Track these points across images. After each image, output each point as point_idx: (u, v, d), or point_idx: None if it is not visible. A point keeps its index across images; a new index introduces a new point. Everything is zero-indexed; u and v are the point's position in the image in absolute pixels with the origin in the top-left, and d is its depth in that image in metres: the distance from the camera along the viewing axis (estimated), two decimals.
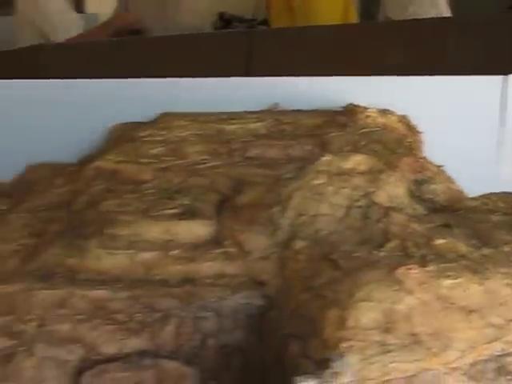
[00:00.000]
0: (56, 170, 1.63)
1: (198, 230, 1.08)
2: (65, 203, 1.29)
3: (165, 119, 1.59)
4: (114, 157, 1.44)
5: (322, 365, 0.84)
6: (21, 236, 1.15)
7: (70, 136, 1.73)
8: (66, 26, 4.31)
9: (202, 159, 1.38)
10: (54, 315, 0.98)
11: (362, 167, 1.14)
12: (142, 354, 0.98)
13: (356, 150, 1.25)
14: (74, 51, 2.78)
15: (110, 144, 1.59)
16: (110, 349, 0.99)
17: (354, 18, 3.38)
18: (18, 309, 0.98)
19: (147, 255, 1.04)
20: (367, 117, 1.46)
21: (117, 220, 1.10)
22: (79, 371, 0.99)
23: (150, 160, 1.41)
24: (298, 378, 0.81)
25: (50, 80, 1.82)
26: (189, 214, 1.11)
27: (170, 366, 0.98)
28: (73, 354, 0.98)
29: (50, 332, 0.98)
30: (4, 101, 1.80)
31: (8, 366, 0.98)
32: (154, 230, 1.08)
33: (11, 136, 1.80)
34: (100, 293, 0.99)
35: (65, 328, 0.98)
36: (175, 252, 1.04)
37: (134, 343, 0.99)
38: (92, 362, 0.99)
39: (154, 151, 1.43)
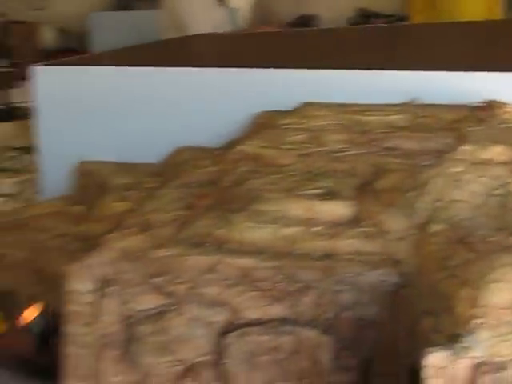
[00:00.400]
0: (202, 153, 1.74)
1: (338, 209, 1.15)
2: (212, 181, 1.38)
3: (306, 109, 1.66)
4: (257, 142, 1.52)
5: (453, 339, 0.89)
6: (175, 208, 1.25)
7: (214, 122, 1.83)
8: (210, 20, 4.47)
9: (341, 147, 1.44)
10: (203, 279, 1.07)
11: (502, 158, 1.16)
12: (281, 320, 1.06)
13: (495, 143, 1.27)
14: (223, 42, 2.91)
15: (253, 130, 1.68)
16: (252, 314, 1.07)
17: (498, 17, 3.34)
18: (172, 271, 1.08)
19: (290, 230, 1.12)
20: (506, 113, 1.47)
21: (262, 197, 1.18)
22: (223, 332, 1.08)
23: (291, 146, 1.48)
24: (430, 349, 0.86)
25: (199, 68, 1.93)
26: (330, 194, 1.18)
27: (308, 334, 1.05)
28: (219, 316, 1.07)
29: (200, 294, 1.07)
30: (155, 87, 1.92)
31: (159, 322, 1.09)
32: (296, 208, 1.15)
33: (160, 121, 1.92)
34: (246, 261, 1.07)
35: (213, 291, 1.07)
36: (317, 229, 1.11)
37: (275, 310, 1.06)
38: (235, 325, 1.07)
39: (295, 138, 1.51)
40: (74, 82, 2.00)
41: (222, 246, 1.10)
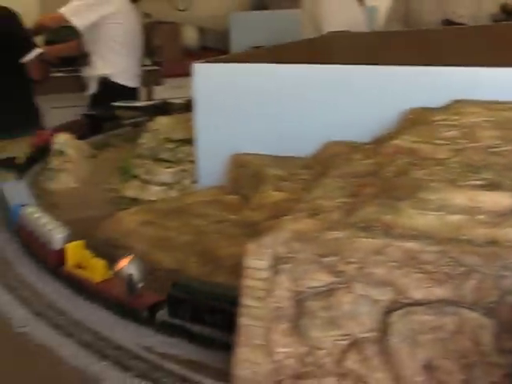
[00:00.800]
0: (351, 147, 1.83)
1: (501, 200, 1.20)
2: (372, 172, 1.46)
3: (458, 105, 1.71)
4: (410, 137, 1.59)
5: None
6: (339, 196, 1.34)
7: (360, 118, 1.90)
8: (349, 19, 4.54)
9: (496, 143, 1.48)
10: (371, 260, 1.15)
11: None
12: (444, 302, 1.12)
13: None
14: (366, 40, 2.97)
15: (405, 126, 1.74)
16: (416, 294, 1.14)
17: None
18: (342, 252, 1.17)
19: (455, 218, 1.18)
20: None
21: (426, 187, 1.25)
22: (388, 310, 1.15)
23: (445, 141, 1.54)
24: None
25: (348, 66, 2.00)
26: (492, 186, 1.23)
27: (470, 315, 1.11)
28: (385, 295, 1.15)
29: (368, 274, 1.15)
30: (305, 84, 2.01)
31: (329, 299, 1.18)
32: (460, 197, 1.21)
33: (309, 116, 2.02)
34: (412, 245, 1.14)
35: (380, 272, 1.15)
36: (480, 217, 1.17)
37: (439, 292, 1.13)
38: (400, 304, 1.15)
39: (448, 134, 1.56)
40: (230, 78, 2.13)
41: (389, 231, 1.18)
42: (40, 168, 2.59)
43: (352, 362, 1.16)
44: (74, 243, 1.70)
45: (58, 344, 1.42)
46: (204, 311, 1.35)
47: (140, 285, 1.49)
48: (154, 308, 1.45)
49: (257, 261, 1.20)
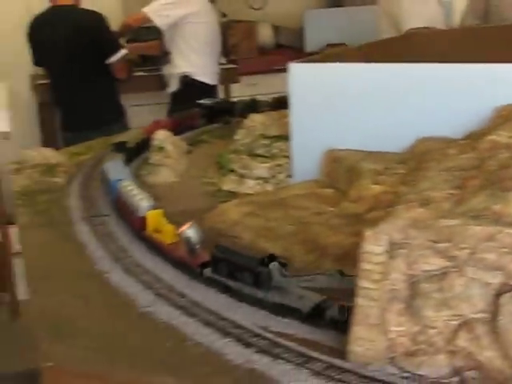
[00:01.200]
0: (445, 143, 1.91)
1: None
2: (474, 166, 1.55)
3: None
4: (506, 133, 1.67)
5: None
6: (446, 188, 1.44)
7: (452, 115, 1.98)
8: (425, 15, 4.58)
9: None
10: (483, 246, 1.25)
11: None
12: None
13: None
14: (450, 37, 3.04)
15: (499, 122, 1.82)
16: None
17: None
18: (454, 238, 1.27)
19: None
20: None
21: None
22: (499, 293, 1.25)
23: None
24: None
25: (437, 64, 2.08)
26: None
27: None
28: (495, 279, 1.24)
29: (479, 259, 1.25)
30: (397, 82, 2.10)
31: (442, 281, 1.28)
32: None
33: (400, 113, 2.10)
34: None
35: (491, 257, 1.24)
36: None
37: None
38: (510, 287, 1.24)
39: None
40: (325, 77, 2.23)
41: (499, 219, 1.27)
42: (141, 162, 2.75)
43: (462, 341, 1.25)
44: (154, 211, 1.96)
45: (182, 322, 1.55)
46: (236, 269, 1.59)
47: (197, 246, 1.74)
48: (204, 266, 1.70)
49: (374, 246, 1.30)
